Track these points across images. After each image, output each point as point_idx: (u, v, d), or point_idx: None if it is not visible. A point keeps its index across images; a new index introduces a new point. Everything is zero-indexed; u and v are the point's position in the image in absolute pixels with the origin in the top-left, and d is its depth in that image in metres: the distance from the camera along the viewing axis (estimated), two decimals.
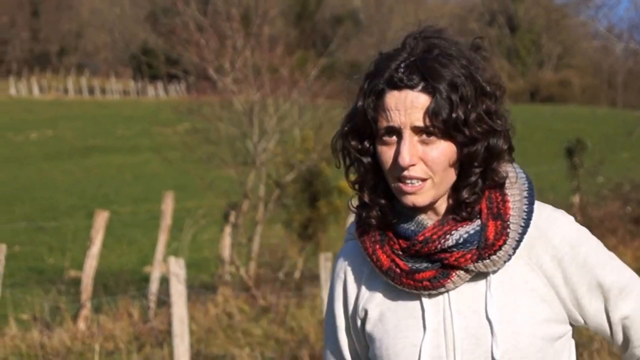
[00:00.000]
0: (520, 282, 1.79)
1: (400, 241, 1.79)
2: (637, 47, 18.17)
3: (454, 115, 1.71)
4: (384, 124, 1.74)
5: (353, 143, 1.79)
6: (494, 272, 1.78)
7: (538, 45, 73.55)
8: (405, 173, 1.74)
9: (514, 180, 1.80)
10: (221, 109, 12.18)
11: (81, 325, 9.75)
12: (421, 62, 1.73)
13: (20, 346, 9.05)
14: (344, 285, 1.89)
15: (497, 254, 1.76)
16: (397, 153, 1.73)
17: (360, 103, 1.77)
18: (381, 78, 1.74)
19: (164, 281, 9.80)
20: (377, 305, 1.84)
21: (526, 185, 1.81)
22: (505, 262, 1.77)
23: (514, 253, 1.77)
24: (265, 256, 12.08)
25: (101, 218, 10.08)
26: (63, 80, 69.88)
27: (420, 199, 1.75)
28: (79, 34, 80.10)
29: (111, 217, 11.32)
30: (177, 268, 7.12)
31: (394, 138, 1.74)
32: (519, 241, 1.77)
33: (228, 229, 11.63)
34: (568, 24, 73.16)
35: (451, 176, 1.76)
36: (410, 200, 1.75)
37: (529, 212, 1.78)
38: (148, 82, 66.12)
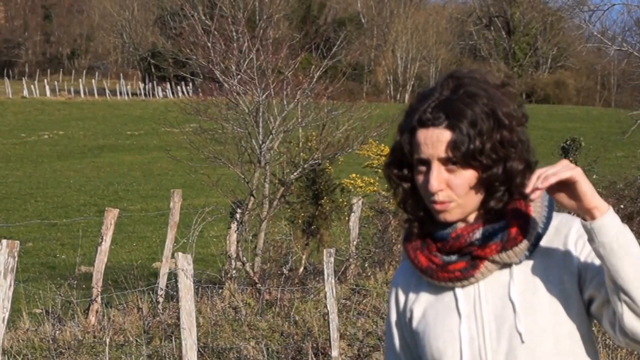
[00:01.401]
0: (539, 271, 2.06)
1: (438, 244, 2.10)
2: (630, 50, 18.27)
3: (471, 147, 2.00)
4: (416, 156, 2.06)
5: (395, 171, 2.10)
6: (517, 264, 2.06)
7: (534, 48, 73.46)
8: (434, 197, 2.05)
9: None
10: (227, 109, 12.22)
11: (92, 319, 9.82)
12: (446, 103, 2.04)
13: (33, 339, 9.15)
14: (395, 296, 2.22)
15: (519, 246, 2.05)
16: (426, 179, 2.05)
17: (398, 138, 2.09)
18: (414, 117, 2.06)
19: (172, 276, 9.84)
20: (420, 304, 2.15)
21: (547, 198, 2.09)
22: (526, 255, 2.06)
23: (533, 249, 2.06)
24: (270, 252, 12.12)
25: (111, 215, 10.10)
26: (74, 82, 69.99)
27: (449, 216, 2.07)
28: (89, 37, 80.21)
29: (121, 214, 11.41)
30: (185, 263, 7.19)
31: (425, 168, 2.05)
32: (538, 239, 2.06)
33: (234, 226, 11.67)
34: (563, 27, 73.01)
35: (475, 197, 2.06)
36: (441, 217, 2.07)
37: (548, 218, 2.08)
38: (156, 83, 66.12)
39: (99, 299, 10.00)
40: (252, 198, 11.74)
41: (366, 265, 12.86)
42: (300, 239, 12.67)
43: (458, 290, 2.11)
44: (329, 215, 12.97)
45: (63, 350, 8.81)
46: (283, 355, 8.73)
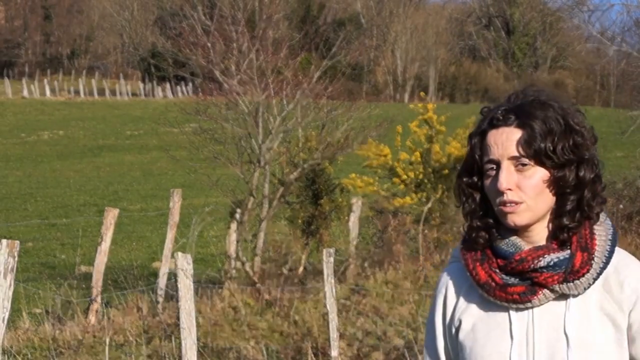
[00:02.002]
0: (595, 308, 2.08)
1: (498, 260, 2.09)
2: (629, 50, 18.33)
3: (542, 145, 2.02)
4: (486, 158, 2.08)
5: (465, 179, 2.11)
6: (575, 296, 2.07)
7: (533, 48, 73.54)
8: (504, 197, 2.04)
9: (602, 222, 2.11)
10: (227, 109, 12.28)
11: (92, 319, 9.88)
12: (517, 106, 2.08)
13: (33, 339, 9.20)
14: (444, 298, 2.19)
15: (580, 279, 2.05)
16: (496, 180, 2.05)
17: (469, 145, 2.11)
18: (484, 122, 2.09)
19: (172, 276, 9.92)
20: (470, 316, 2.14)
21: (611, 230, 2.11)
22: (585, 289, 2.06)
23: (593, 282, 2.06)
24: (270, 252, 12.18)
25: (111, 215, 10.17)
26: (74, 82, 69.99)
27: (518, 219, 2.05)
28: (89, 37, 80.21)
29: (121, 214, 11.44)
30: (185, 263, 7.17)
31: (495, 170, 2.06)
32: (599, 274, 2.06)
33: (234, 226, 11.76)
34: (562, 27, 73.09)
35: (545, 201, 2.06)
36: (510, 219, 2.05)
37: (611, 252, 2.08)
38: (156, 83, 66.17)
39: (98, 299, 10.07)
40: (251, 198, 11.78)
41: (366, 265, 12.89)
42: (299, 239, 12.69)
43: (512, 313, 2.11)
44: (329, 215, 13.00)
45: (63, 350, 8.88)
46: (283, 355, 8.77)
